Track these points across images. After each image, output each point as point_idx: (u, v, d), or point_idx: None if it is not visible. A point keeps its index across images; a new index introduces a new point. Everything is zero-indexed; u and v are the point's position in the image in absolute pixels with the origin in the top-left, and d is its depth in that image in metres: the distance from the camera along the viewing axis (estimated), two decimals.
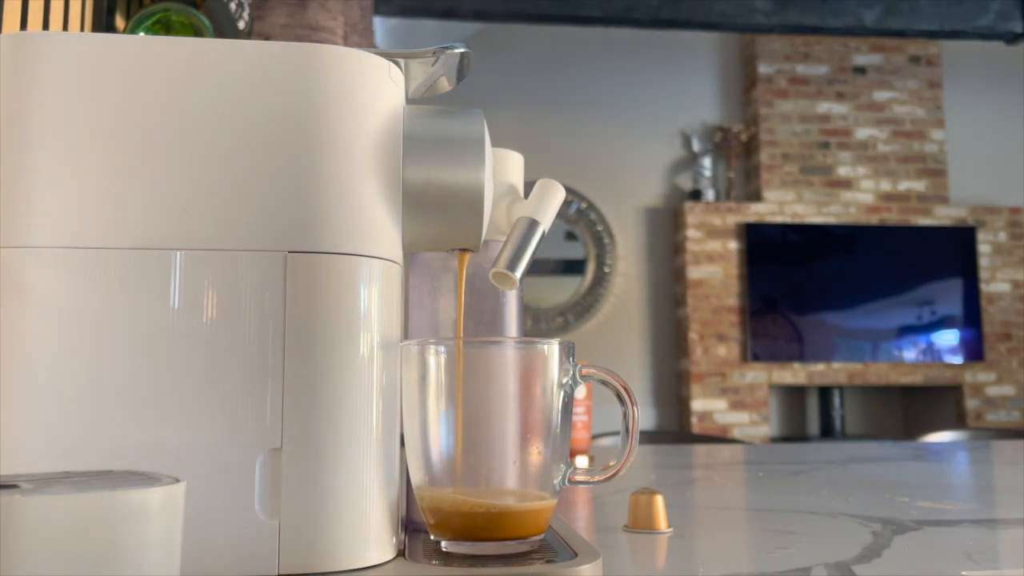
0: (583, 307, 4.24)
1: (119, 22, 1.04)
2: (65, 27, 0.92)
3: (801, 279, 4.16)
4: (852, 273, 4.17)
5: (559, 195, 0.54)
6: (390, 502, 0.46)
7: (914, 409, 4.40)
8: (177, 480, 0.32)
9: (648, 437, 2.08)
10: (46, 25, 0.88)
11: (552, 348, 0.48)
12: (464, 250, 0.51)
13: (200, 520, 0.40)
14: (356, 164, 0.45)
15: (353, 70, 0.46)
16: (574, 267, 4.29)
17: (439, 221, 0.48)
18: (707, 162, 4.32)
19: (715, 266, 4.13)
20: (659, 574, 0.53)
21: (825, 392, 4.23)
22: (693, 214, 4.14)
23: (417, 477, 0.48)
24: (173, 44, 0.45)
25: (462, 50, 0.50)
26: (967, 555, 0.55)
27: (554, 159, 4.20)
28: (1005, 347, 4.22)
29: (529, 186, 0.55)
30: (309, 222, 0.44)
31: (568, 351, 0.49)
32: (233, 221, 0.43)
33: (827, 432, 4.20)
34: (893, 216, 4.27)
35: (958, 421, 4.16)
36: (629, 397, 0.49)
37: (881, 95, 4.37)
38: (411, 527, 0.55)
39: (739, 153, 4.36)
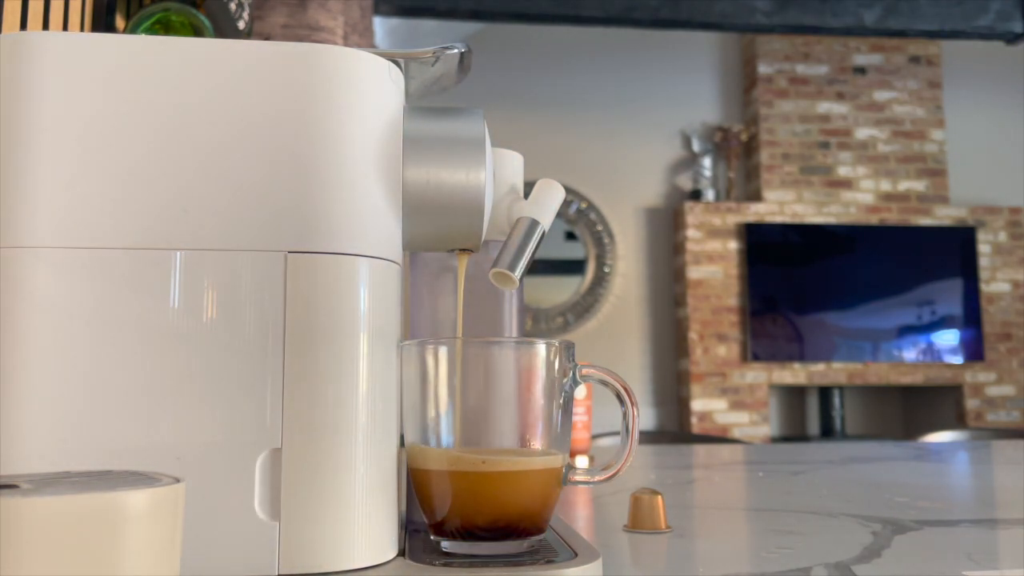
0: (583, 307, 4.24)
1: (119, 22, 1.04)
2: (65, 27, 0.92)
3: (801, 279, 4.16)
4: (852, 273, 4.17)
5: (559, 195, 0.54)
6: (390, 502, 0.46)
7: (914, 409, 4.40)
8: (177, 480, 0.32)
9: (648, 437, 2.08)
10: (46, 25, 0.88)
11: (552, 348, 0.48)
12: (464, 250, 0.51)
13: (200, 520, 0.40)
14: (356, 164, 0.45)
15: (353, 70, 0.46)
16: (574, 267, 4.29)
17: (439, 221, 0.48)
18: (707, 162, 4.32)
19: (715, 266, 4.13)
20: (659, 574, 0.53)
21: (825, 392, 4.23)
22: (693, 214, 4.14)
23: (416, 471, 0.48)
24: (173, 44, 0.45)
25: (462, 50, 0.50)
26: (967, 555, 0.55)
27: (554, 159, 4.20)
28: (1005, 347, 4.22)
29: (529, 186, 0.55)
30: (309, 222, 0.44)
31: (568, 351, 0.49)
32: (233, 221, 0.43)
33: (827, 432, 4.20)
34: (893, 216, 4.27)
35: (958, 421, 4.16)
36: (629, 397, 0.49)
37: (881, 95, 4.37)
38: (411, 527, 0.55)
39: (739, 153, 4.36)
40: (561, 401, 0.48)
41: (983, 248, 4.27)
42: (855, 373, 4.11)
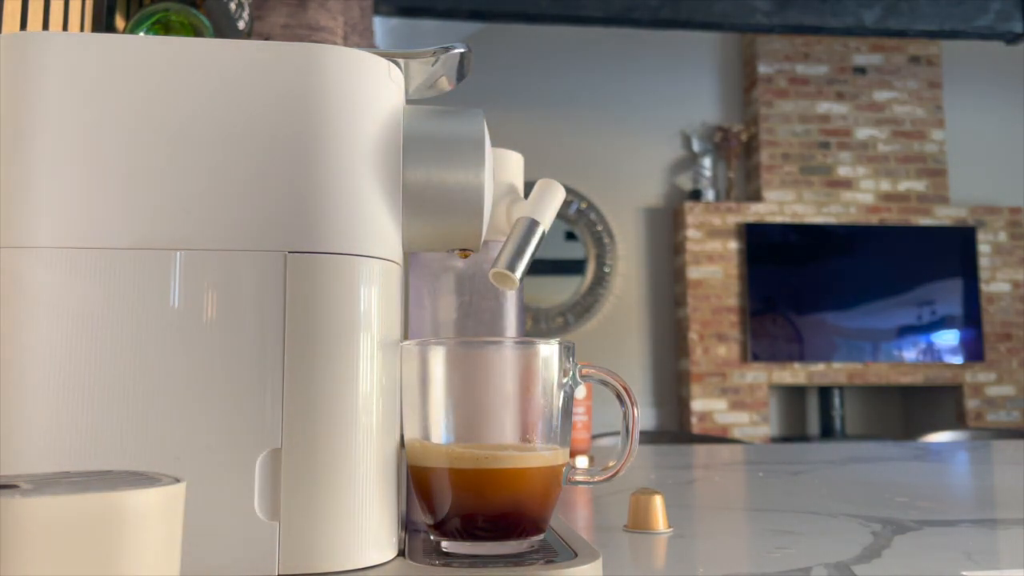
0: (583, 307, 4.24)
1: (119, 22, 1.04)
2: (65, 27, 0.92)
3: (801, 279, 4.16)
4: (852, 273, 4.17)
5: (559, 195, 0.54)
6: (390, 502, 0.46)
7: (914, 409, 4.40)
8: (177, 480, 0.32)
9: (648, 437, 2.07)
10: (46, 25, 0.88)
11: (552, 348, 0.48)
12: (464, 250, 0.51)
13: (200, 520, 0.40)
14: (356, 164, 0.45)
15: (353, 70, 0.46)
16: (574, 267, 4.29)
17: (439, 221, 0.48)
18: (707, 162, 4.32)
19: (715, 266, 4.13)
20: (659, 574, 0.53)
21: (825, 392, 4.23)
22: (693, 214, 4.14)
23: (415, 469, 0.48)
24: (173, 44, 0.45)
25: (462, 50, 0.50)
26: (967, 555, 0.55)
27: (554, 159, 4.20)
28: (1005, 347, 4.22)
29: (529, 186, 0.55)
30: (309, 222, 0.44)
31: (568, 351, 0.49)
32: (233, 221, 0.43)
33: (827, 432, 4.20)
34: (893, 216, 4.27)
35: (958, 421, 4.16)
36: (629, 397, 0.49)
37: (881, 95, 4.37)
38: (411, 527, 0.55)
39: (739, 153, 4.36)
40: (561, 401, 0.48)
41: (983, 248, 4.27)
42: (855, 373, 4.11)
